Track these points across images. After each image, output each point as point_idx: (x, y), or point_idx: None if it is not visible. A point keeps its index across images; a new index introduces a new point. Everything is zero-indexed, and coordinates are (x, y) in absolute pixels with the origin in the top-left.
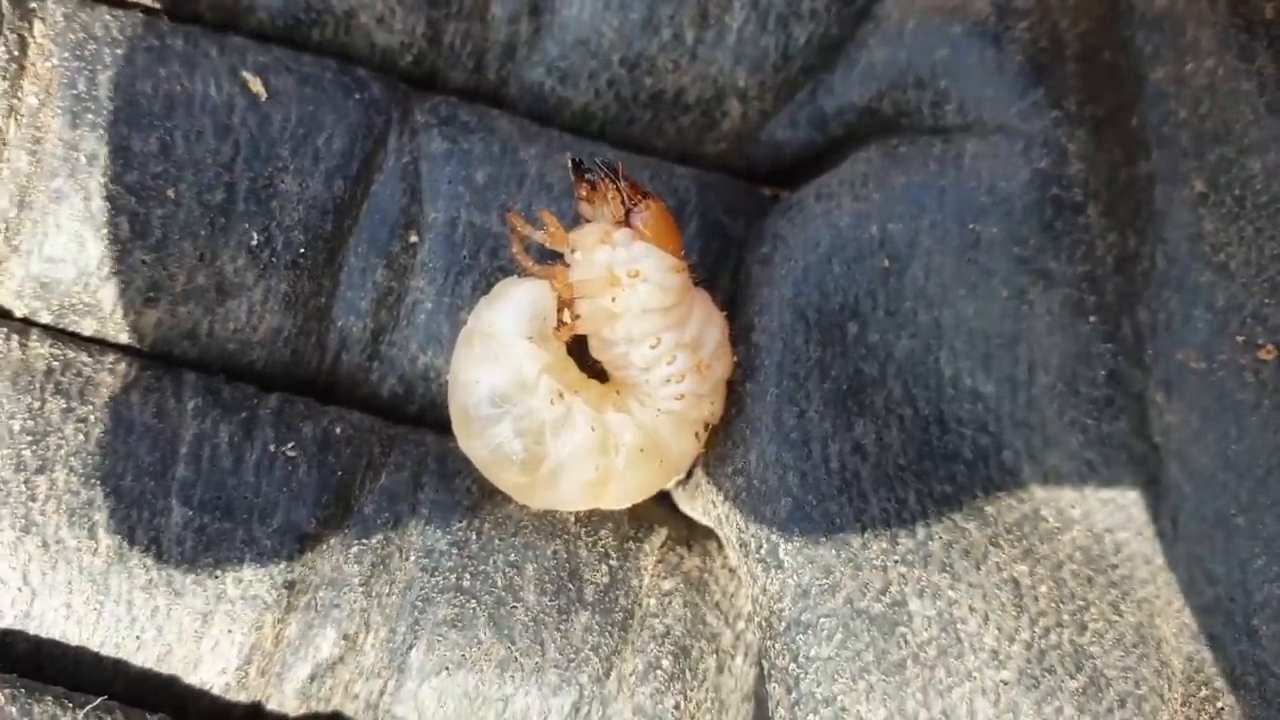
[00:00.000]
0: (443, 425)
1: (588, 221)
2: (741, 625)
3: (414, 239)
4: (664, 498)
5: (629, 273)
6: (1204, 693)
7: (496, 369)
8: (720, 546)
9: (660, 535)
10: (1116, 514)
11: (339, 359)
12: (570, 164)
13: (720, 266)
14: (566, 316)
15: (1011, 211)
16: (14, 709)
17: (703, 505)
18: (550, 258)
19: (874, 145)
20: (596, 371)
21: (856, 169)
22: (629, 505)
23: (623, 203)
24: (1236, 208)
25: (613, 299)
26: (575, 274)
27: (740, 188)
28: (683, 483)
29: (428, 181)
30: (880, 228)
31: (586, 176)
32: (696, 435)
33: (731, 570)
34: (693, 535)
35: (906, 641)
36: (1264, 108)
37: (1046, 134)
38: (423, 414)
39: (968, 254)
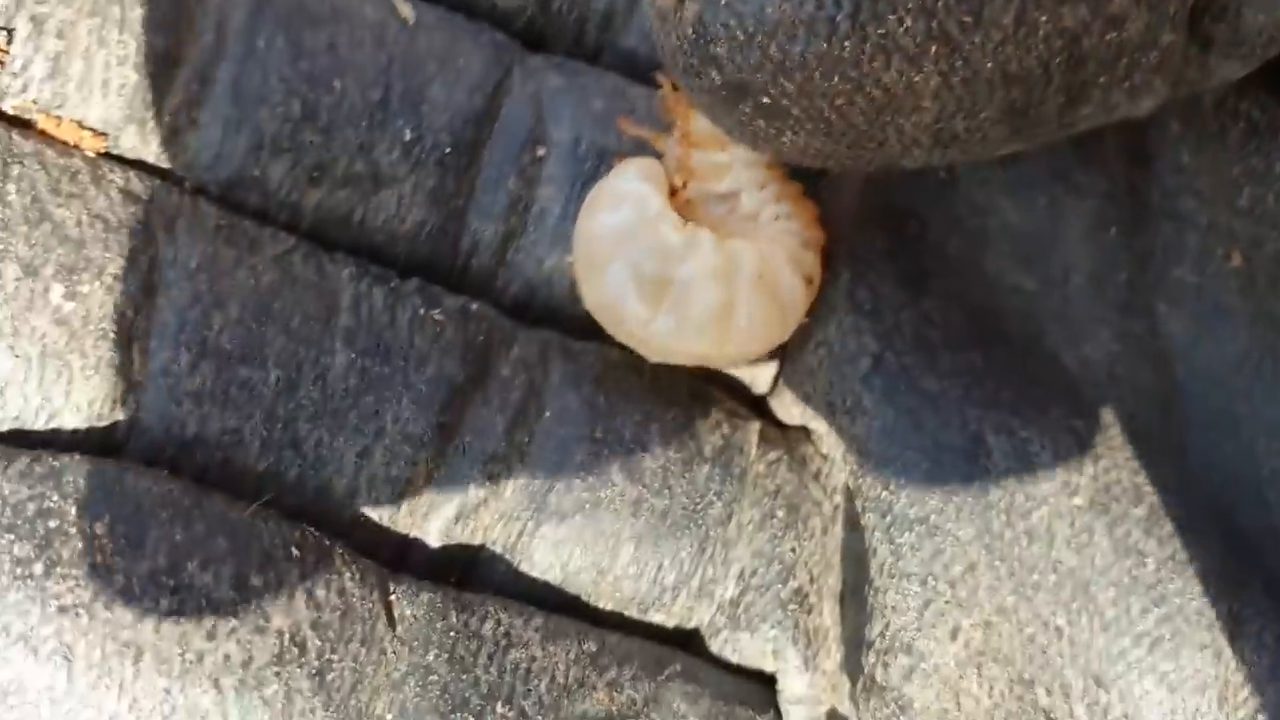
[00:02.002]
0: (565, 329)
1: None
2: (839, 499)
3: (541, 153)
4: (758, 405)
5: None
6: (1233, 546)
7: (621, 209)
8: (813, 442)
9: (760, 422)
10: (1141, 401)
11: (470, 262)
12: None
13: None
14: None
15: None
16: (187, 500)
17: (790, 398)
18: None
19: None
20: None
21: None
22: (753, 354)
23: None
24: (1198, 139)
25: (723, 150)
26: (692, 133)
27: None
28: (773, 388)
29: (550, 109)
30: None
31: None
32: (805, 281)
33: (825, 455)
34: (788, 435)
35: (988, 470)
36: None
37: None
38: (543, 320)
39: (1011, 165)
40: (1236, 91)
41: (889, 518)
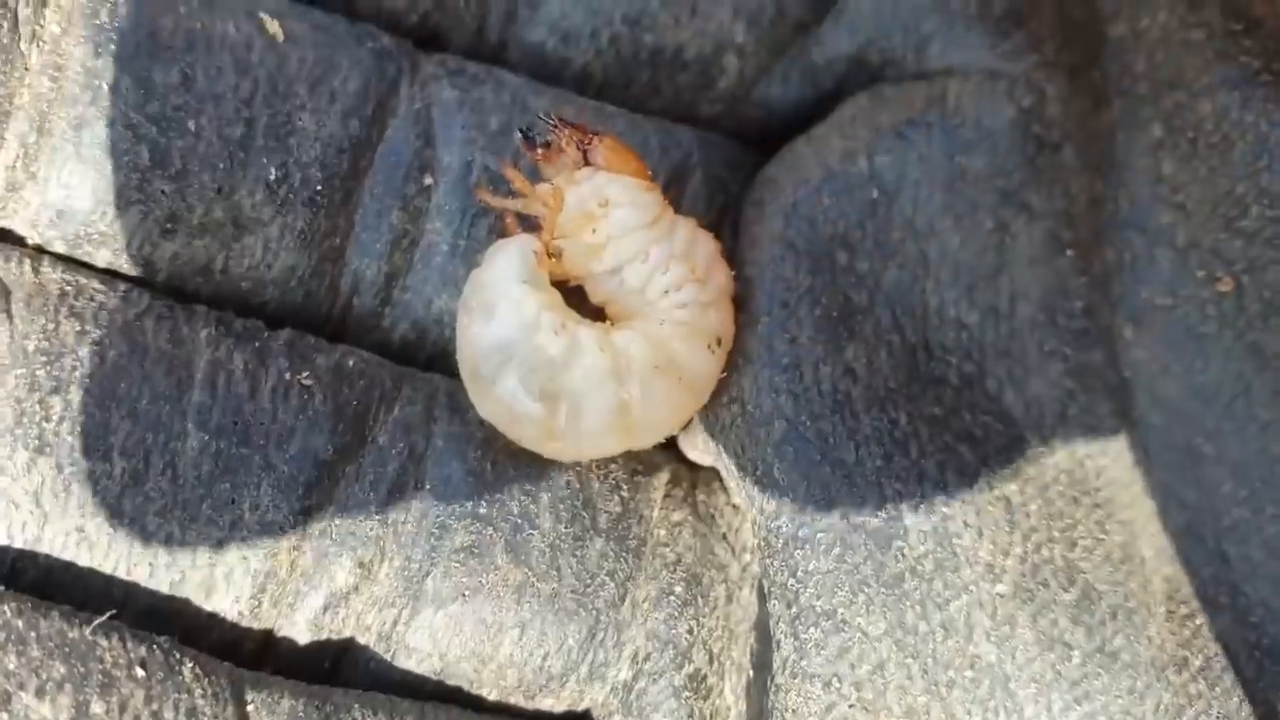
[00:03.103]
0: (454, 372)
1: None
2: (747, 558)
3: (429, 182)
4: (668, 444)
5: (599, 203)
6: (1183, 610)
7: (495, 318)
8: (724, 486)
9: (666, 472)
10: (1096, 441)
11: (351, 303)
12: (520, 135)
13: (721, 222)
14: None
15: (996, 146)
16: (20, 622)
17: (702, 440)
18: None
19: (861, 92)
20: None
21: (845, 113)
22: (662, 438)
23: (576, 146)
24: (1190, 149)
25: (593, 230)
26: (554, 223)
27: (738, 147)
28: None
29: (441, 127)
30: (869, 161)
31: (536, 140)
32: (710, 349)
33: (735, 506)
34: (697, 476)
35: (903, 555)
36: (1212, 54)
37: (1028, 75)
38: (434, 361)
39: (955, 186)
40: (1240, 103)
41: (794, 609)
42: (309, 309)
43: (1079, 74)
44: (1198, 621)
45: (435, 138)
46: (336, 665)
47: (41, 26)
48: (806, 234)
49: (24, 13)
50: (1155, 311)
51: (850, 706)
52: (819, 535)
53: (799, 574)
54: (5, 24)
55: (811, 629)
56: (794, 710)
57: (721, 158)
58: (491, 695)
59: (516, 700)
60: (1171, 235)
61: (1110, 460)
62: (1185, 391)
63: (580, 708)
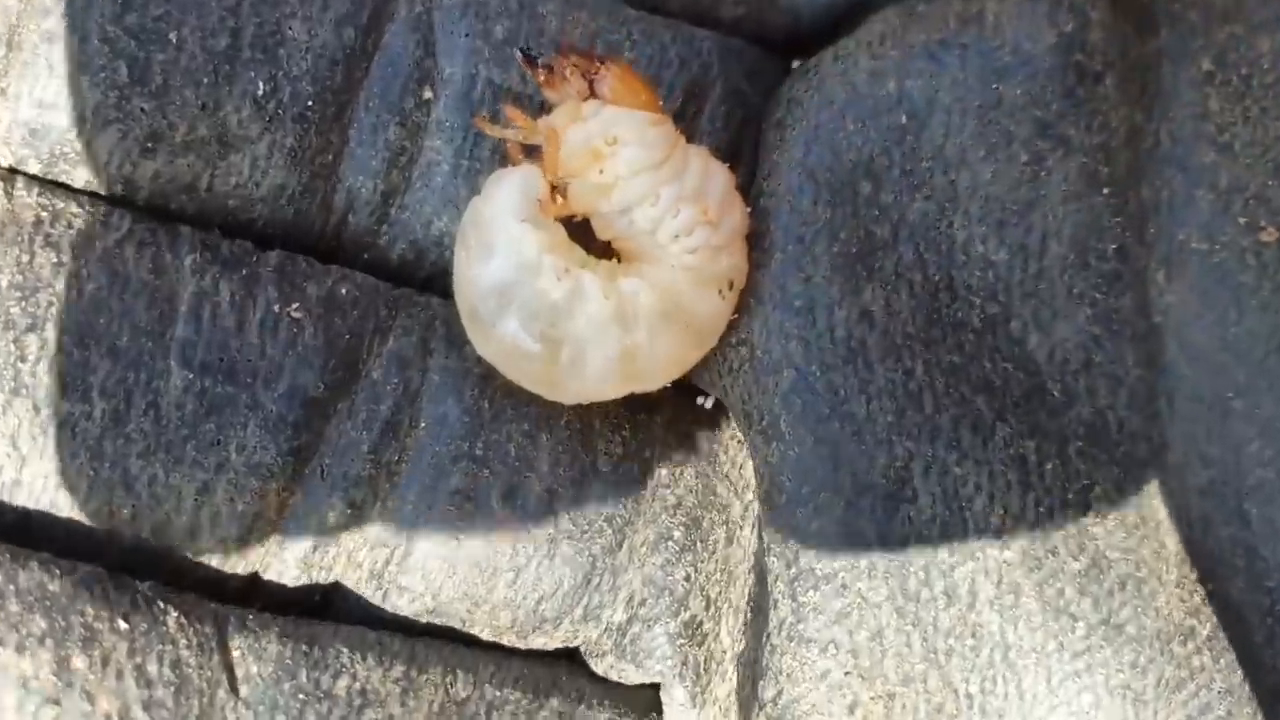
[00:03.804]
0: (452, 294)
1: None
2: (750, 496)
3: (428, 95)
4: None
5: (606, 140)
6: (1195, 574)
7: (495, 258)
8: (728, 418)
9: (670, 410)
10: (1119, 391)
11: (345, 221)
12: (521, 56)
13: (741, 138)
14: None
15: (1035, 73)
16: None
17: (709, 376)
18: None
19: (891, 7)
20: (607, 256)
21: (874, 29)
22: (667, 382)
23: (582, 75)
24: (1243, 87)
25: (600, 171)
26: (558, 159)
27: (760, 54)
28: None
29: (442, 33)
30: (898, 84)
31: (539, 62)
32: (720, 294)
33: (740, 441)
34: (701, 411)
35: (910, 519)
36: None
37: None
38: (432, 281)
39: (989, 114)
40: None
41: (793, 570)
42: (300, 228)
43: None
44: (1209, 587)
45: (436, 46)
46: (326, 599)
47: None
48: (828, 162)
49: None
50: (1191, 256)
51: (846, 674)
52: (823, 495)
53: (800, 534)
54: None
55: (811, 592)
56: (789, 674)
57: (743, 68)
58: (484, 634)
59: (509, 640)
60: (1214, 176)
61: (1133, 413)
62: (1217, 342)
63: (574, 644)
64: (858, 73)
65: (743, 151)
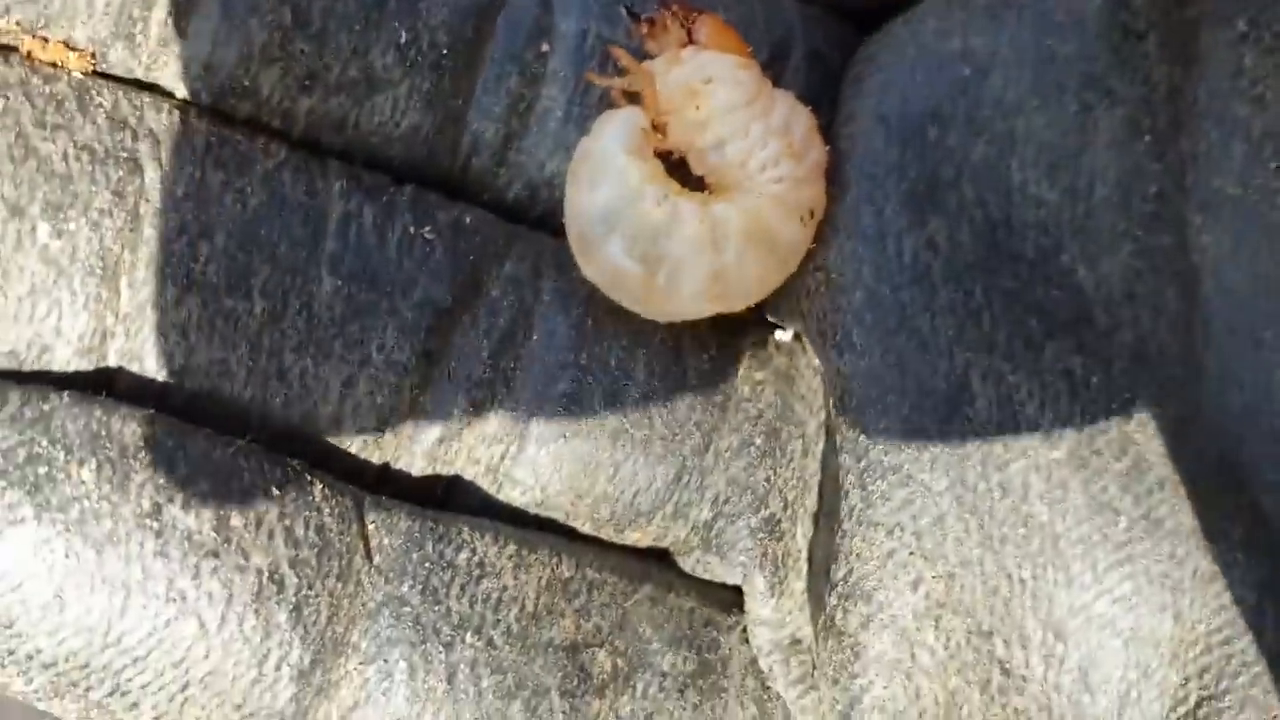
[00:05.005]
0: (562, 232)
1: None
2: (824, 416)
3: (546, 48)
4: (755, 310)
5: (702, 80)
6: (1231, 483)
7: (602, 185)
8: (805, 349)
9: (752, 335)
10: (1159, 320)
11: (469, 161)
12: (625, 11)
13: (821, 98)
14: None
15: (1084, 31)
16: (170, 442)
17: (788, 305)
18: None
19: None
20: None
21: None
22: (752, 302)
23: (681, 24)
24: (1274, 43)
25: (696, 107)
26: (660, 99)
27: (838, 23)
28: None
29: None
30: (963, 40)
31: (642, 16)
32: (802, 221)
33: (815, 368)
34: (780, 341)
35: (969, 419)
36: None
37: None
38: (544, 220)
39: (1043, 68)
40: None
41: (863, 462)
42: (431, 166)
43: None
44: (1240, 499)
45: (553, 4)
46: (448, 493)
47: None
48: (899, 109)
49: None
50: (1225, 200)
51: (910, 553)
52: (890, 397)
53: (870, 431)
54: None
55: (879, 481)
56: (858, 554)
57: (823, 34)
58: (585, 527)
59: (607, 533)
60: (1247, 127)
61: (1172, 339)
62: (1250, 279)
63: (664, 542)
64: (926, 32)
65: (822, 110)
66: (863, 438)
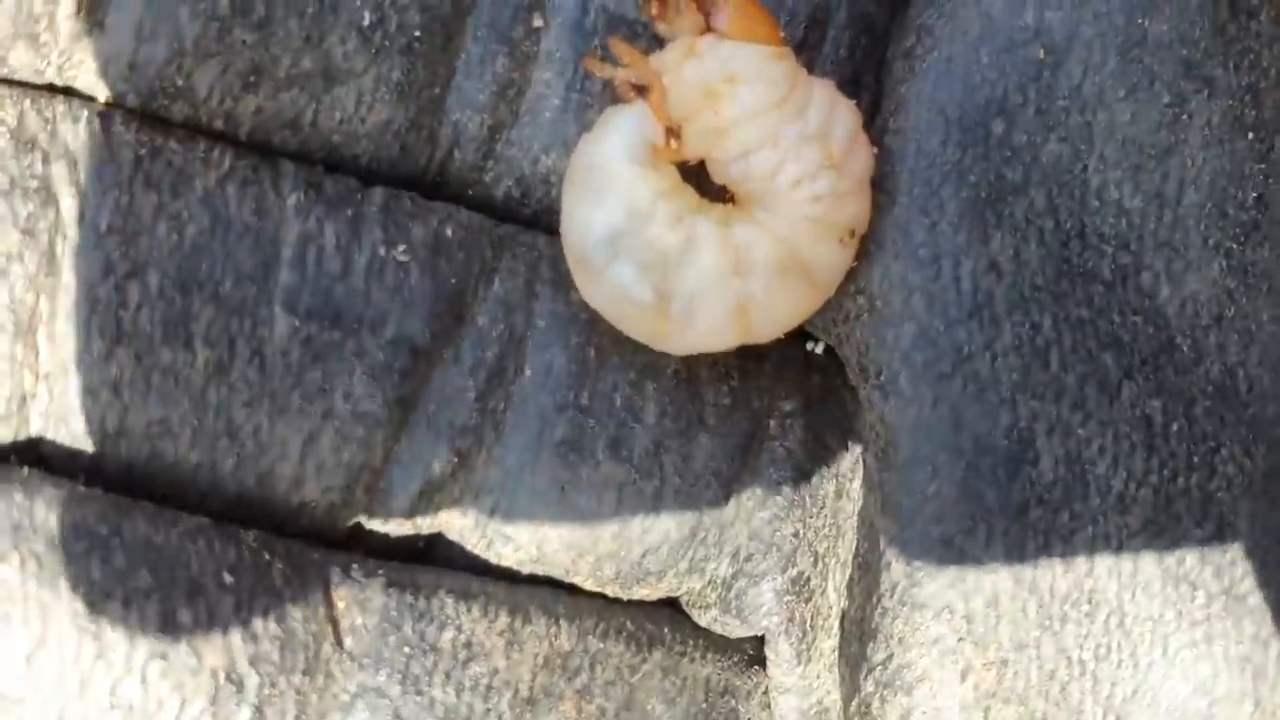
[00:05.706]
0: (558, 232)
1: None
2: (860, 448)
3: (538, 23)
4: None
5: (725, 79)
6: None
7: (607, 202)
8: (839, 364)
9: (779, 353)
10: (1251, 348)
11: (450, 156)
12: None
13: (865, 65)
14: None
15: (1186, 8)
16: (104, 528)
17: (822, 322)
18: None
19: None
20: (721, 198)
21: None
22: (781, 333)
23: (698, 6)
24: None
25: (716, 113)
26: (671, 101)
27: None
28: None
29: None
30: (1037, 15)
31: None
32: (841, 242)
33: (852, 389)
34: (813, 357)
35: (1032, 482)
36: None
37: None
38: (537, 219)
39: (1132, 51)
40: None
41: (908, 532)
42: (405, 163)
43: None
44: None
45: None
46: (430, 545)
47: None
48: (959, 98)
49: None
50: None
51: (959, 640)
52: (942, 456)
53: (917, 496)
54: None
55: (926, 555)
56: (899, 639)
57: None
58: (587, 585)
59: (612, 591)
60: None
61: (1265, 370)
62: None
63: (677, 594)
64: (994, 1)
65: (867, 83)
66: (908, 502)
